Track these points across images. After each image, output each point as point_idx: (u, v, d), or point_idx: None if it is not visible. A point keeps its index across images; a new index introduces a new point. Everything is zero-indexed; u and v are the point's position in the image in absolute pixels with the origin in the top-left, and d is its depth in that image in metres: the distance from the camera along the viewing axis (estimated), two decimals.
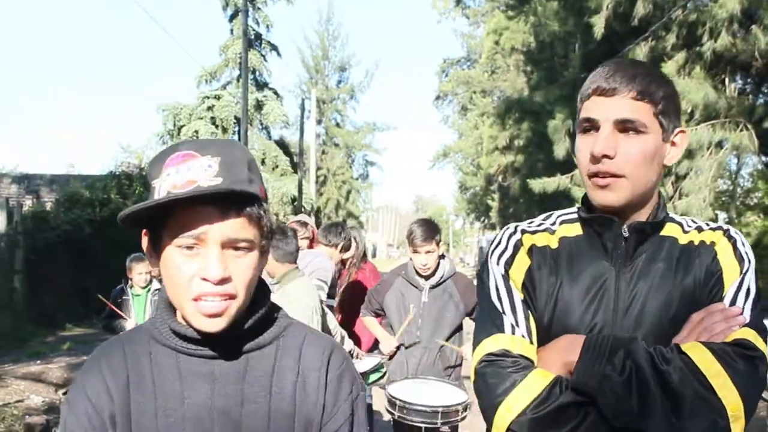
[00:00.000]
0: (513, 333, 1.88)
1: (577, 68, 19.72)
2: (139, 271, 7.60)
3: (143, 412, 1.52)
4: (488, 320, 1.94)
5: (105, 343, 1.67)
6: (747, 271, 1.84)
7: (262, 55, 42.28)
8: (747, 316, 1.77)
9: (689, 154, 13.71)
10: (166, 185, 1.47)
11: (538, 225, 2.08)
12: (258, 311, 1.61)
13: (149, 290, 7.69)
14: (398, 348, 5.40)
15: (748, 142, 13.34)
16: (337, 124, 58.56)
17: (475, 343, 1.94)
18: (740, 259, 1.86)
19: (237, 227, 1.48)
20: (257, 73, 41.88)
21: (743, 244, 1.90)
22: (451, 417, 4.50)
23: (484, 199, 52.41)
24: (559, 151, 18.64)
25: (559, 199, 26.73)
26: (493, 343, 1.88)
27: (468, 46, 55.32)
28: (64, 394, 7.97)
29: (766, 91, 15.85)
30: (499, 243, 2.06)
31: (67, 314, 16.08)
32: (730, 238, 1.91)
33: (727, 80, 14.10)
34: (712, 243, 1.90)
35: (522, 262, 1.99)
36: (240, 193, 1.47)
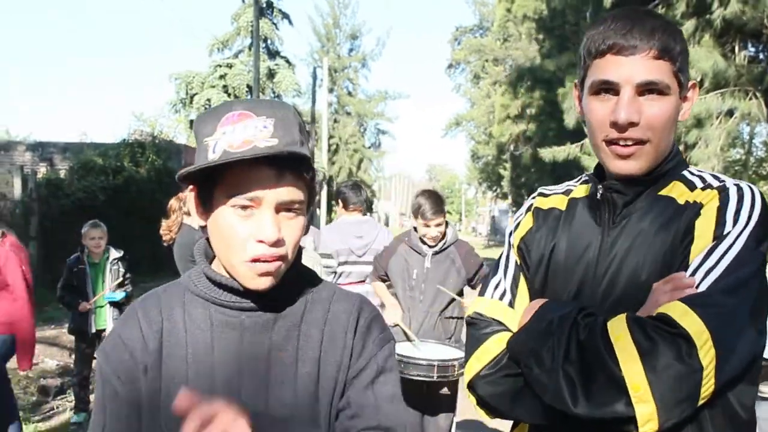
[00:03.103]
0: (492, 296, 1.94)
1: None
2: (92, 236, 7.41)
3: (174, 359, 1.55)
4: (484, 282, 2.02)
5: (144, 295, 1.72)
6: (726, 235, 1.61)
7: (274, 24, 42.16)
8: (702, 288, 1.55)
9: (698, 123, 13.70)
10: (222, 144, 1.49)
11: (563, 186, 2.06)
12: (290, 270, 1.63)
13: (107, 258, 7.53)
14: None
15: (757, 111, 13.32)
16: (349, 93, 58.34)
17: None
18: (721, 223, 1.63)
19: (291, 190, 1.51)
20: (269, 42, 41.80)
21: (739, 203, 1.66)
22: (448, 372, 4.68)
23: (496, 168, 52.29)
24: (570, 119, 18.60)
25: (570, 168, 26.68)
26: (473, 306, 1.97)
27: (480, 13, 55.00)
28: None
29: None
30: (522, 205, 2.09)
31: None
32: (723, 196, 1.69)
33: (736, 48, 14.05)
34: (701, 204, 1.70)
35: (525, 224, 2.00)
36: (295, 156, 1.49)
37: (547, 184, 2.19)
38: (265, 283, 1.54)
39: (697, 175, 1.80)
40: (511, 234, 2.03)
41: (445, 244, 5.40)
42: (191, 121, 40.00)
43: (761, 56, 16.01)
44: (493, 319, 1.88)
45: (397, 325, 5.31)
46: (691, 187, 1.76)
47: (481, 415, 1.93)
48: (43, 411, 7.98)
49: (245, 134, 1.48)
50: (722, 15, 12.81)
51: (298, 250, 1.66)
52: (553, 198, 2.01)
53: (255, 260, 1.51)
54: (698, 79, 13.73)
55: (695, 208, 1.69)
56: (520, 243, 1.98)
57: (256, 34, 23.78)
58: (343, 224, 6.42)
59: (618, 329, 1.54)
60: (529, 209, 2.04)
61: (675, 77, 1.70)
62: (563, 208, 1.96)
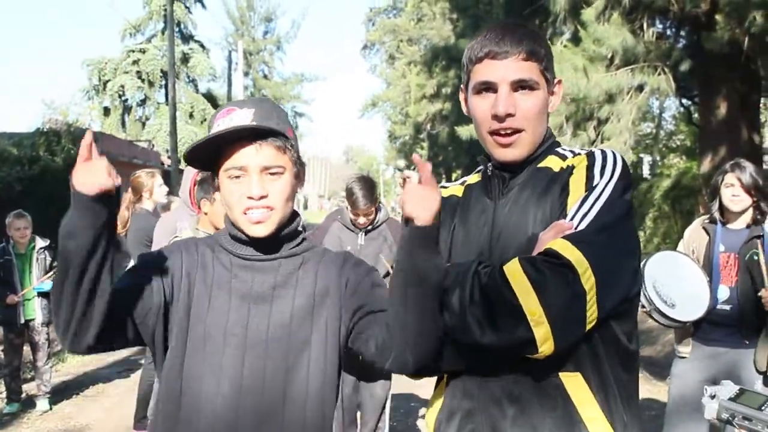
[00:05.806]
0: None
1: (500, 15, 19.91)
2: (17, 227, 7.44)
3: (201, 291, 2.03)
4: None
5: (180, 240, 2.21)
6: (595, 186, 1.91)
7: (187, 7, 41.58)
8: (579, 228, 1.84)
9: (610, 98, 14.06)
10: (215, 132, 1.97)
11: (460, 180, 2.38)
12: (288, 227, 2.07)
13: (33, 248, 7.56)
14: None
15: (666, 86, 13.70)
16: (265, 76, 58.09)
17: None
18: (590, 178, 1.94)
19: (269, 156, 1.97)
20: (182, 26, 41.21)
21: (604, 161, 1.98)
22: None
23: (413, 147, 52.56)
24: None
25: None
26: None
27: None
28: None
29: (683, 35, 16.29)
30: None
31: None
32: (591, 157, 2.01)
33: (645, 25, 14.42)
34: (573, 166, 2.02)
35: None
36: (264, 129, 1.96)
37: (464, 161, 2.46)
38: (259, 229, 1.99)
39: (569, 150, 2.12)
40: None
41: (377, 221, 5.58)
42: (105, 108, 39.30)
43: (669, 32, 16.49)
44: None
45: None
46: (563, 157, 2.09)
47: (416, 385, 2.16)
48: None
49: (231, 122, 1.97)
50: None
51: (297, 215, 2.13)
52: (452, 188, 2.34)
53: (245, 211, 1.97)
54: (609, 56, 14.12)
55: (568, 171, 2.01)
56: None
57: (170, 18, 23.49)
58: None
59: (512, 269, 1.79)
60: None
61: (542, 75, 2.03)
62: (460, 195, 2.27)
